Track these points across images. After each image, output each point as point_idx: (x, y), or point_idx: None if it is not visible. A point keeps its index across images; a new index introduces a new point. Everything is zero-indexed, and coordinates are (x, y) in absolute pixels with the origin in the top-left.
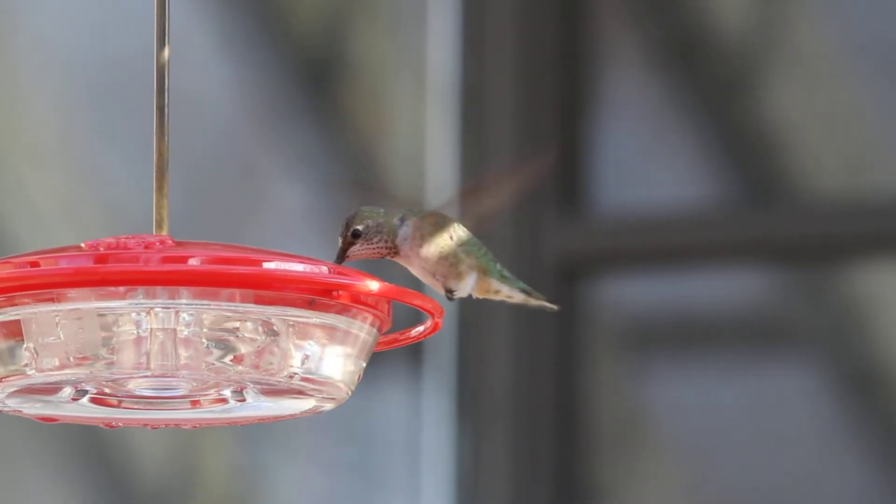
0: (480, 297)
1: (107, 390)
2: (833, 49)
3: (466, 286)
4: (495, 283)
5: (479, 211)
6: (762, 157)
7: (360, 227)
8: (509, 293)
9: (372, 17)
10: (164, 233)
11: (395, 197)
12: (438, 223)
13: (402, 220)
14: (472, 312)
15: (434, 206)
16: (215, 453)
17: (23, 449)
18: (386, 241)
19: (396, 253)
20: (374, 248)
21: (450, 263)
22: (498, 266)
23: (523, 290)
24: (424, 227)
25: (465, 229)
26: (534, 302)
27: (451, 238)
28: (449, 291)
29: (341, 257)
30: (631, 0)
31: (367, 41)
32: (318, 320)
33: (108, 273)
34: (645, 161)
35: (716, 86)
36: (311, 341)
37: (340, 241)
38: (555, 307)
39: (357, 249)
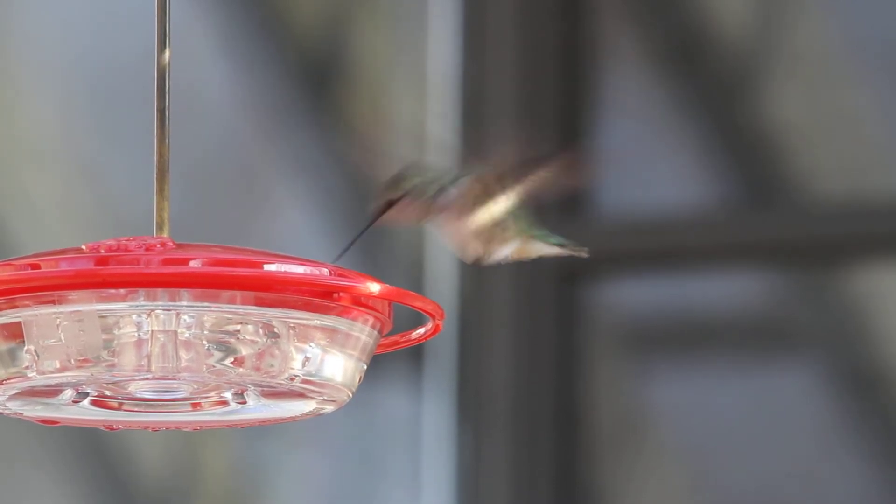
0: (513, 258)
1: (108, 392)
2: (834, 50)
3: (506, 251)
4: (536, 246)
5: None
6: (763, 158)
7: (407, 186)
8: (548, 252)
9: (372, 16)
10: (165, 234)
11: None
12: (491, 186)
13: (453, 180)
14: (472, 313)
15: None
16: (216, 452)
17: (23, 450)
18: (429, 201)
19: (434, 213)
20: (416, 208)
21: (501, 228)
22: (537, 227)
23: (559, 245)
24: (476, 189)
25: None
26: (566, 252)
27: (503, 202)
28: (484, 256)
29: (377, 216)
30: (631, 0)
31: (367, 41)
32: (318, 322)
33: (109, 275)
34: (645, 162)
35: (716, 87)
36: (311, 343)
37: (383, 199)
38: (584, 253)
39: (397, 211)
